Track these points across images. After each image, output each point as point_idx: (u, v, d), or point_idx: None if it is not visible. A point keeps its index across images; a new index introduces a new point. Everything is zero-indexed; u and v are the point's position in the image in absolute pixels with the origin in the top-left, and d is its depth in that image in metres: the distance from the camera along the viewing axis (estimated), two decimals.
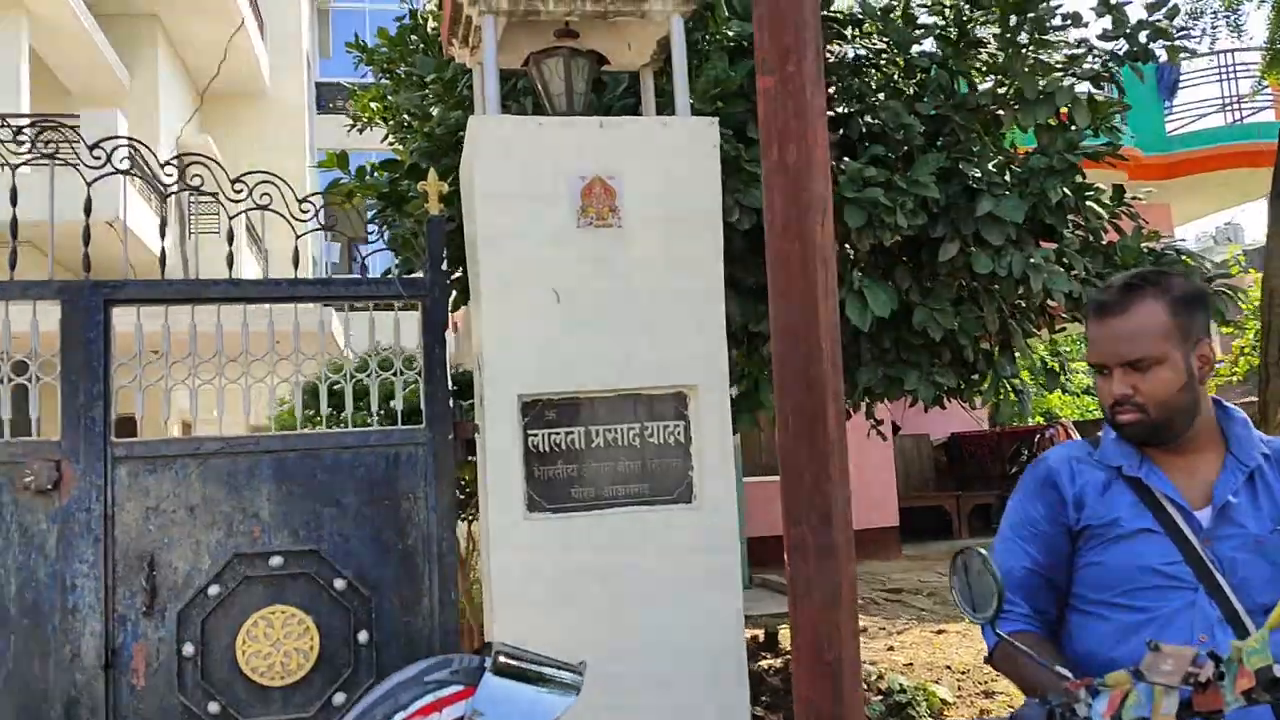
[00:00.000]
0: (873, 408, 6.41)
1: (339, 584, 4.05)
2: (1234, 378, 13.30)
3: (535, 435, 4.04)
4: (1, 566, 3.81)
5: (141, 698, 3.88)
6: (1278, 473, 2.08)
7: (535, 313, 4.02)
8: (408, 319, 4.37)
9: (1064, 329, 7.80)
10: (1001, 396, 6.04)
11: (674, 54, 4.31)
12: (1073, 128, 5.53)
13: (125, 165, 4.26)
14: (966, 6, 5.68)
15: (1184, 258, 5.72)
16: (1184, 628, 1.98)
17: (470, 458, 4.35)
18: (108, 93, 15.46)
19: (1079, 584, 2.16)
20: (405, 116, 6.39)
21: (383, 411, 4.66)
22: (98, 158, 3.97)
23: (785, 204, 3.02)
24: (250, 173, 4.14)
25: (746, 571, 10.70)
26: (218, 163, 4.22)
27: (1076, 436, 11.76)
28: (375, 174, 5.71)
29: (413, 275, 4.45)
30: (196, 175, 4.20)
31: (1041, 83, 5.33)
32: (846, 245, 5.40)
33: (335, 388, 4.47)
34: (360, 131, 7.42)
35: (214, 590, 3.96)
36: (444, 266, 4.29)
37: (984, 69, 5.78)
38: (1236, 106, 14.71)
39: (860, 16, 5.75)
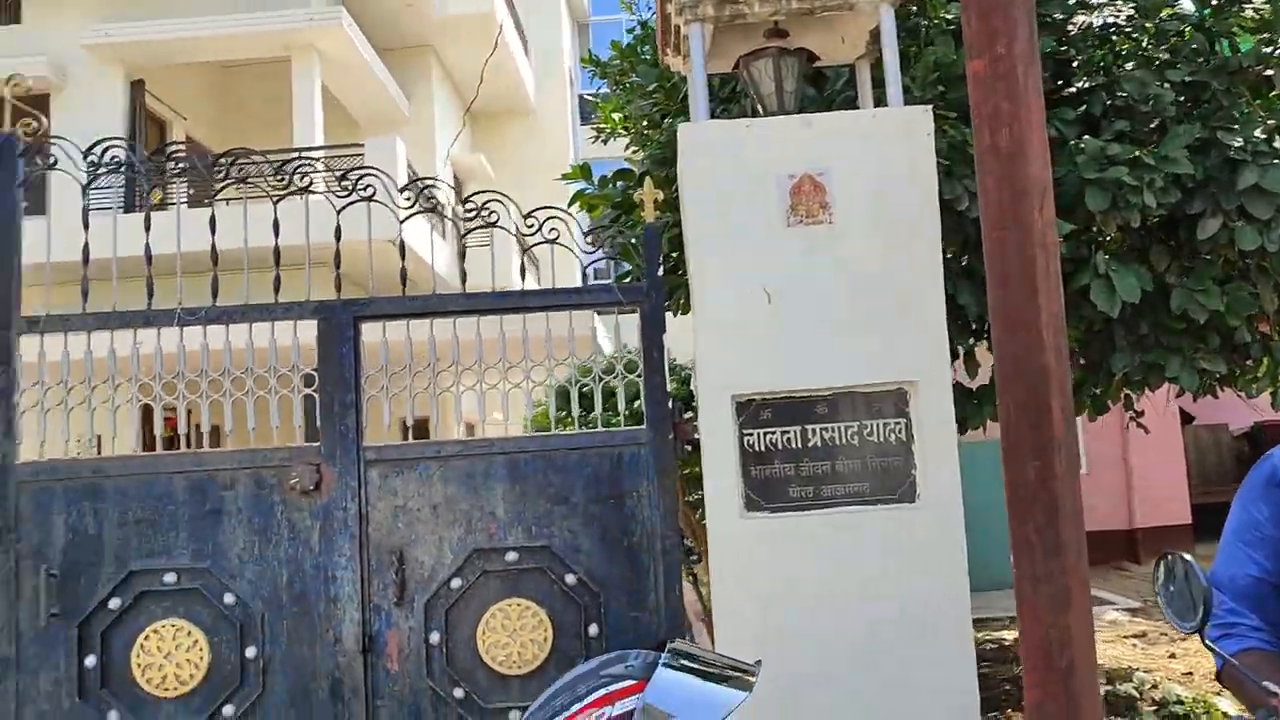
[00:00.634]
0: (1133, 398, 6.00)
1: (570, 579, 4.24)
2: None
3: (751, 435, 4.08)
4: (275, 559, 4.24)
5: (395, 681, 4.21)
6: None
7: (747, 313, 4.05)
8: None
9: None
10: None
11: (884, 43, 4.23)
12: None
13: (406, 198, 4.57)
14: None
15: None
16: None
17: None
18: (390, 120, 16.74)
19: None
20: (639, 126, 6.57)
21: (627, 411, 4.83)
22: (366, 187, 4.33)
23: (1000, 190, 2.94)
24: (541, 209, 4.39)
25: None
26: (496, 199, 4.46)
27: None
28: (614, 184, 5.92)
29: (632, 282, 4.57)
30: (470, 203, 4.44)
31: None
32: (1091, 228, 5.09)
33: (583, 390, 4.64)
34: (605, 142, 7.68)
35: (456, 583, 4.24)
36: (661, 272, 4.39)
37: (1249, 28, 5.29)
38: None
39: None
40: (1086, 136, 5.00)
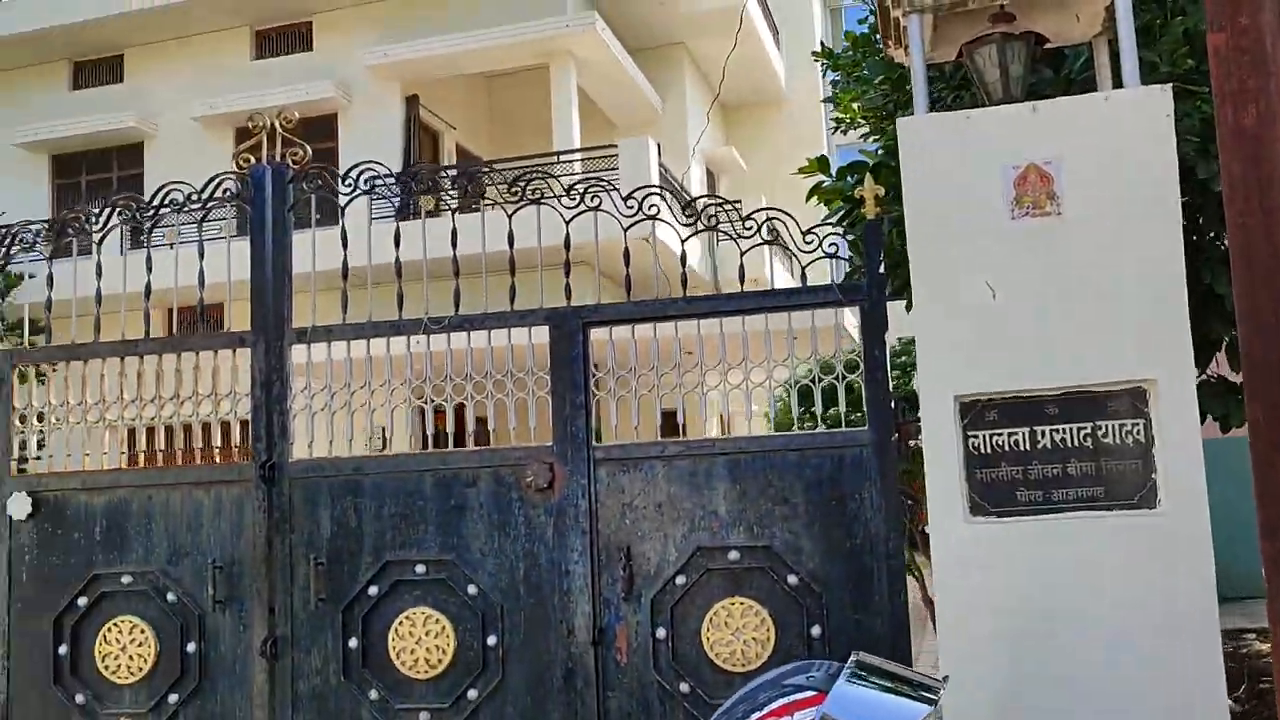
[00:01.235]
0: None
1: (791, 579, 4.26)
2: None
3: (976, 436, 3.95)
4: (513, 553, 4.50)
5: (624, 673, 4.37)
6: None
7: (971, 310, 3.93)
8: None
9: None
10: None
11: (1119, 18, 3.97)
12: None
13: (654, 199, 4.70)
14: None
15: None
16: None
17: None
18: (643, 119, 17.15)
19: None
20: (876, 117, 6.45)
21: (859, 413, 4.78)
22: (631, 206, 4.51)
23: (1244, 171, 2.82)
24: (760, 209, 4.47)
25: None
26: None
27: None
28: (847, 177, 5.84)
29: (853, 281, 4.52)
30: (715, 205, 4.51)
31: None
32: None
33: (824, 387, 4.59)
34: (844, 133, 7.58)
35: (680, 580, 4.35)
36: (882, 269, 4.33)
37: None
38: None
39: None
40: None
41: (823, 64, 6.71)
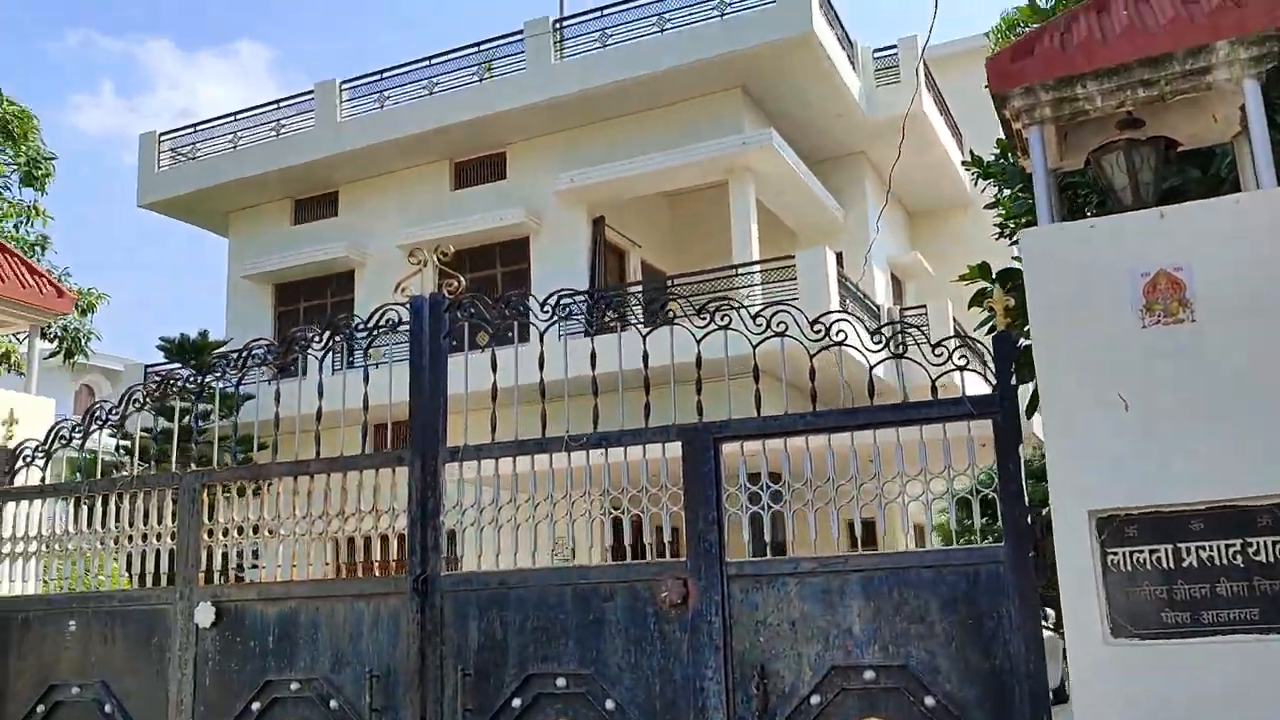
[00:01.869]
0: None
1: (929, 700, 4.14)
2: None
3: (1115, 554, 3.79)
4: (649, 668, 4.55)
5: None
6: None
7: (1103, 423, 3.81)
8: None
9: None
10: None
11: (1250, 120, 3.86)
12: None
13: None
14: None
15: None
16: None
17: None
18: (825, 228, 17.25)
19: None
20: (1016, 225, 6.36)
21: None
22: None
23: None
24: (950, 338, 4.51)
25: None
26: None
27: None
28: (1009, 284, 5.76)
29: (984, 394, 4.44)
30: (910, 327, 4.52)
31: None
32: None
33: (957, 500, 4.51)
34: (1006, 239, 7.47)
35: (815, 700, 4.29)
36: (1013, 381, 4.25)
37: None
38: None
39: None
40: None
41: (973, 173, 6.68)
